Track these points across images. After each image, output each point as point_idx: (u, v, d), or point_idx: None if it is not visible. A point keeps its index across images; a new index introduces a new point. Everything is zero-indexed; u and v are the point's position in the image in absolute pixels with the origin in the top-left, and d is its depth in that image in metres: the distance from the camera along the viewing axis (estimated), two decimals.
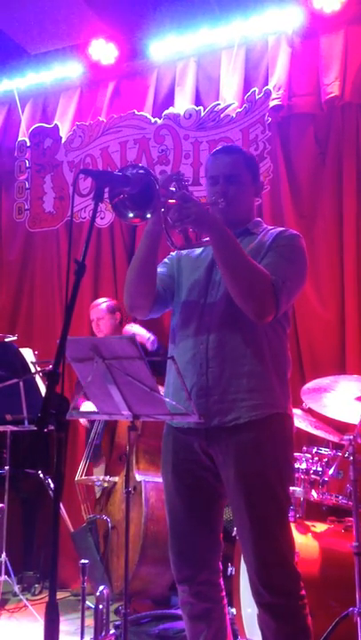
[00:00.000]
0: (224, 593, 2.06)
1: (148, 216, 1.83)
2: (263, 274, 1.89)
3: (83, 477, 3.64)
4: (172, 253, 2.18)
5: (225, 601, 2.06)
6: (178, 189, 1.89)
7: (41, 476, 3.63)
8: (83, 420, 3.86)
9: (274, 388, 1.95)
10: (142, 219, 1.84)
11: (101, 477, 3.56)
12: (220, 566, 2.06)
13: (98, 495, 3.64)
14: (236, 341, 1.93)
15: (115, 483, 3.51)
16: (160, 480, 3.32)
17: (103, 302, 3.86)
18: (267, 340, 1.96)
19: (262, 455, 1.89)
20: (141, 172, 1.81)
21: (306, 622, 1.88)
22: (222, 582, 2.06)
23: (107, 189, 1.78)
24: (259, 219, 2.16)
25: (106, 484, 3.54)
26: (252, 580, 1.89)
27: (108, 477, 3.53)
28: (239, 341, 1.93)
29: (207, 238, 1.93)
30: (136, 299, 2.06)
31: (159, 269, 2.11)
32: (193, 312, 2.01)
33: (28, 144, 4.67)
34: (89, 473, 3.70)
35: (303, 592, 1.90)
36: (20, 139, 4.70)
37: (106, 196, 1.79)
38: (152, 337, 3.58)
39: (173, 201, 1.85)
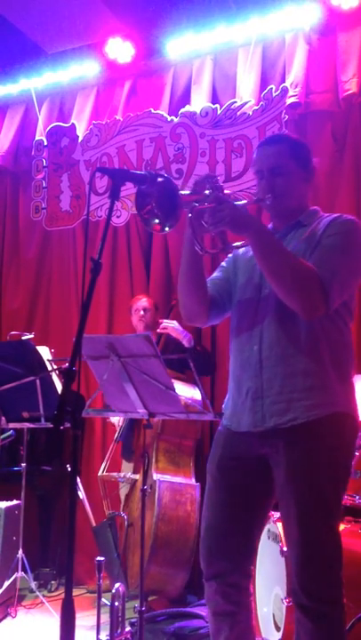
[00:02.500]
0: (252, 597, 2.01)
1: (167, 229, 1.77)
2: (307, 269, 1.81)
3: (105, 473, 3.66)
4: (229, 256, 2.13)
5: (252, 605, 2.01)
6: (212, 191, 1.83)
7: (68, 468, 3.65)
8: (113, 420, 3.88)
9: (332, 385, 1.85)
10: (162, 229, 1.78)
11: (122, 474, 3.58)
12: (253, 571, 2.03)
13: (126, 491, 3.66)
14: (290, 339, 1.86)
15: (136, 480, 3.52)
16: (176, 480, 3.36)
17: (149, 298, 3.98)
18: (324, 336, 1.86)
19: (316, 459, 1.81)
20: (163, 180, 1.75)
21: (341, 631, 1.82)
22: (251, 587, 2.00)
23: (122, 187, 1.76)
24: (315, 207, 2.03)
25: (129, 481, 3.55)
26: (292, 581, 1.82)
27: (129, 474, 3.55)
28: (293, 339, 1.86)
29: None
30: (191, 307, 2.02)
31: (215, 274, 2.09)
32: (246, 312, 1.96)
33: (45, 143, 4.69)
34: (113, 469, 3.72)
35: (344, 600, 1.82)
36: (37, 138, 4.73)
37: (124, 193, 1.77)
38: (188, 335, 3.62)
39: (207, 204, 1.80)
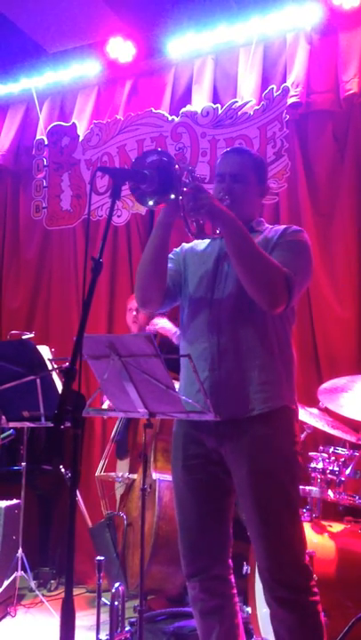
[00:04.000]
0: (235, 590, 2.06)
1: (173, 196, 1.83)
2: (276, 265, 1.93)
3: (102, 473, 3.66)
4: (175, 249, 2.20)
5: (236, 598, 2.06)
6: (191, 180, 1.90)
7: (62, 470, 3.65)
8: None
9: (281, 381, 1.98)
10: (165, 202, 1.87)
11: (120, 474, 3.58)
12: (231, 563, 2.06)
13: (121, 491, 3.65)
14: (248, 335, 1.96)
15: (134, 480, 3.52)
16: None
17: None
18: (275, 334, 1.99)
19: (273, 451, 1.92)
20: (164, 158, 1.83)
21: (318, 618, 1.89)
22: (233, 579, 2.06)
23: (123, 187, 1.80)
24: (261, 218, 2.18)
25: (127, 481, 3.55)
26: (263, 575, 1.91)
27: (126, 474, 3.54)
28: (250, 335, 1.96)
29: (218, 230, 1.95)
30: (148, 292, 2.07)
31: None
32: (201, 307, 2.03)
33: (46, 142, 4.69)
34: (111, 469, 3.71)
35: (316, 589, 1.90)
36: (37, 137, 4.73)
37: (125, 193, 1.80)
38: (178, 331, 3.58)
39: (187, 189, 1.87)
